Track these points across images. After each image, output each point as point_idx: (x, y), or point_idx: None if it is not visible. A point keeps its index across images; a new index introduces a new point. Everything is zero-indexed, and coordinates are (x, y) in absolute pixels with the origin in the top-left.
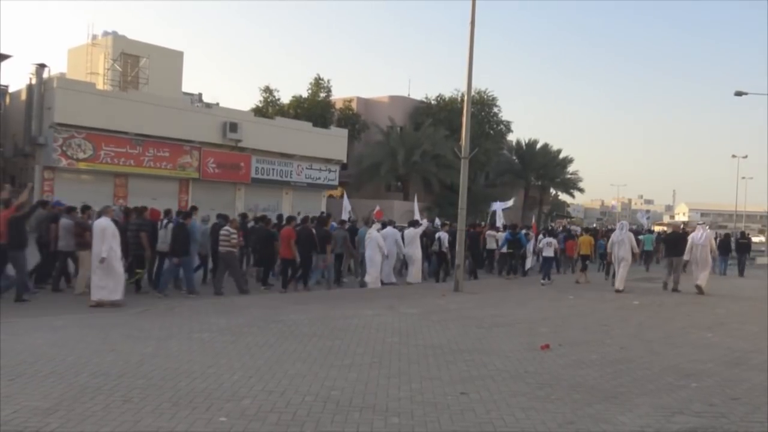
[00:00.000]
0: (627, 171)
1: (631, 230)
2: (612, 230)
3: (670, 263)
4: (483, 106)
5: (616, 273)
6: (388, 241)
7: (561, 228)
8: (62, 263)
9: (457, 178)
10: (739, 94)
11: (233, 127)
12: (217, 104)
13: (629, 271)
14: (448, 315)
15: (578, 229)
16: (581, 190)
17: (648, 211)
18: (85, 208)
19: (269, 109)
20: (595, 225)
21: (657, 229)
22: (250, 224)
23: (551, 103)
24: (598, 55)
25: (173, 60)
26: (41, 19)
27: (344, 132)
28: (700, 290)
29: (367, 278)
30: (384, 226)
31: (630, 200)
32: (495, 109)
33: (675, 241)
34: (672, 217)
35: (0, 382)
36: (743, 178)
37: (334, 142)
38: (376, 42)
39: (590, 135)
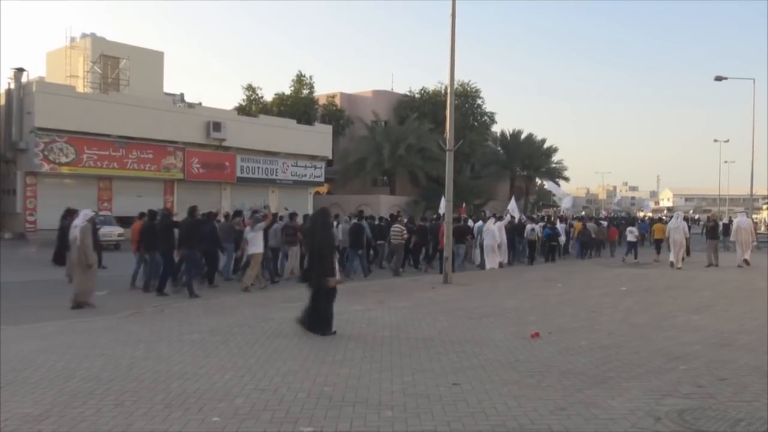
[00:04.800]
0: (611, 158)
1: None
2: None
3: (712, 245)
4: (467, 98)
5: (672, 254)
6: (500, 232)
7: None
8: (274, 256)
9: (443, 171)
10: (719, 78)
11: (217, 126)
12: (200, 104)
13: (640, 253)
14: (438, 307)
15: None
16: (566, 179)
17: (633, 198)
18: (293, 215)
19: (253, 107)
20: (661, 216)
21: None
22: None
23: (535, 93)
24: (579, 44)
25: (154, 60)
26: (18, 22)
27: (329, 128)
28: (746, 263)
29: (488, 264)
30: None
31: (615, 187)
32: (479, 101)
33: (713, 228)
34: (657, 203)
35: None
36: (726, 162)
37: (318, 139)
38: (358, 37)
39: (574, 124)
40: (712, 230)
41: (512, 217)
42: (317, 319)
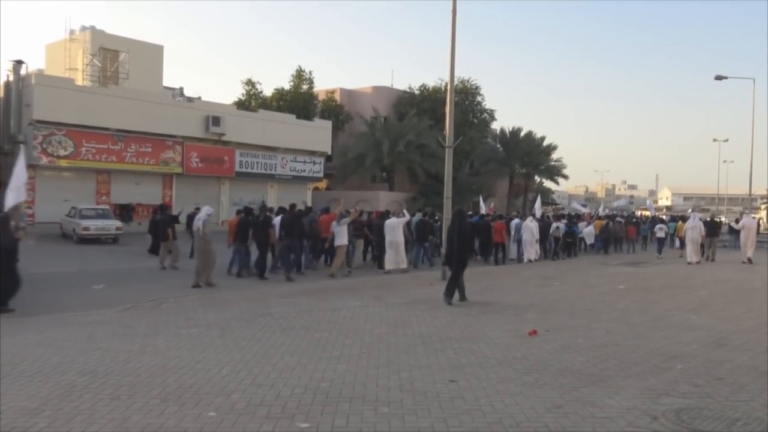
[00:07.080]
0: (610, 156)
1: (624, 217)
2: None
3: (710, 242)
4: (466, 95)
5: (689, 251)
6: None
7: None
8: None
9: (442, 168)
10: (719, 78)
11: (216, 120)
12: (199, 98)
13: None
14: (436, 304)
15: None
16: (565, 177)
17: (632, 196)
18: (361, 212)
19: (252, 102)
20: (661, 214)
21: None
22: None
23: (535, 91)
24: (580, 43)
25: (153, 54)
26: (17, 14)
27: (328, 124)
28: (750, 261)
29: (525, 257)
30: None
31: (614, 186)
32: (478, 98)
33: (712, 226)
34: (655, 201)
35: None
36: (725, 161)
37: (318, 134)
38: (359, 32)
39: (574, 122)
40: (711, 228)
41: (548, 216)
42: (458, 288)
